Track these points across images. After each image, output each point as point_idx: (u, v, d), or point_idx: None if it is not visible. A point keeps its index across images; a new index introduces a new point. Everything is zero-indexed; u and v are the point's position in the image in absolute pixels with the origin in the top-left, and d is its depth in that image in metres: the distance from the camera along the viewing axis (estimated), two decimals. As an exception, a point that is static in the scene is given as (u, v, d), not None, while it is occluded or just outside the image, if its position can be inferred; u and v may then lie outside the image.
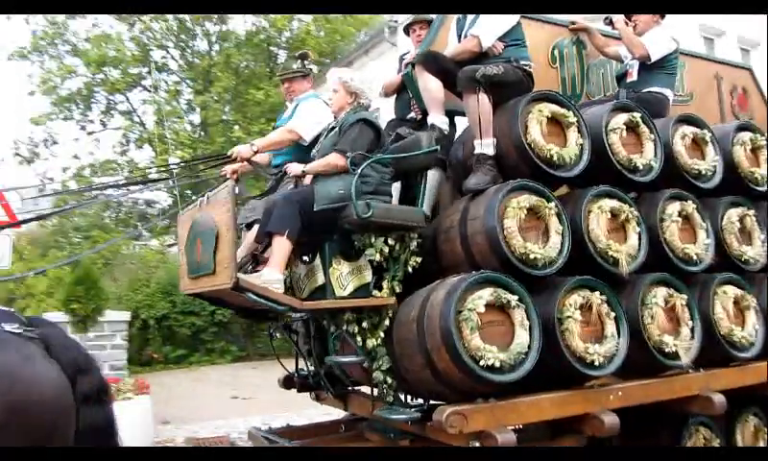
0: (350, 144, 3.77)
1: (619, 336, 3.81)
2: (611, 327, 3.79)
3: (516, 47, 4.14)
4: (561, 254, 3.75)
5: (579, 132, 4.04)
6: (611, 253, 3.90)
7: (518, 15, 4.20)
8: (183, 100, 22.07)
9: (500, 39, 4.12)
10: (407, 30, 4.97)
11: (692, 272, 4.27)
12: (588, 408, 3.68)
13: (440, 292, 3.48)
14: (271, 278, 3.57)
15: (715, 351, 4.25)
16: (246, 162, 4.16)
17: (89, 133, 21.96)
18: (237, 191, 4.09)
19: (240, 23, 21.86)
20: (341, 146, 3.81)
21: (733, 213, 4.58)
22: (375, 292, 3.75)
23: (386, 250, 3.72)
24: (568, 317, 3.63)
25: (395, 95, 4.88)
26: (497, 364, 3.32)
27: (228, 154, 4.21)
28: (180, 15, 21.34)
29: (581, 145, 4.02)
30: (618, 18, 4.87)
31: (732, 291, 4.36)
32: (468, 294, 3.42)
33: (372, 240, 3.70)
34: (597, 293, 3.77)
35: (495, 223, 3.58)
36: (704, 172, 4.53)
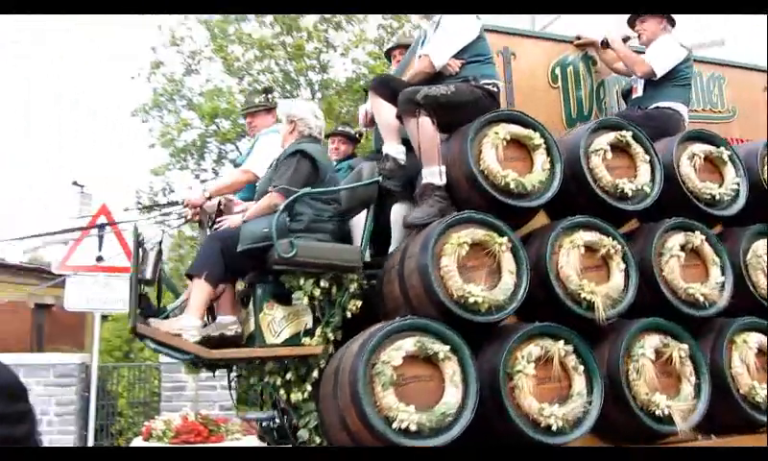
0: (285, 180, 3.48)
1: (591, 394, 3.20)
2: (579, 384, 3.19)
3: (477, 64, 3.69)
4: (514, 296, 3.21)
5: (548, 155, 3.51)
6: (584, 294, 3.31)
7: (479, 29, 3.76)
8: (289, 146, 22.77)
9: (458, 56, 3.69)
10: (388, 55, 4.64)
11: (700, 316, 3.55)
12: (546, 482, 3.10)
13: (357, 342, 3.07)
14: (187, 323, 3.32)
15: (733, 413, 3.50)
16: (198, 209, 3.96)
17: (202, 181, 23.18)
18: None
19: (341, 71, 22.32)
20: (275, 182, 3.53)
21: (760, 245, 3.81)
22: (306, 339, 3.39)
23: (317, 293, 3.36)
24: (519, 371, 3.09)
25: (374, 125, 4.54)
26: (413, 427, 2.85)
27: (180, 201, 4.06)
28: (285, 67, 22.07)
29: (549, 170, 3.49)
30: (615, 38, 4.29)
31: (754, 340, 3.59)
32: (388, 344, 2.98)
33: (301, 282, 3.36)
34: (561, 342, 3.20)
35: (429, 261, 3.12)
36: (719, 197, 3.81)
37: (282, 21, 17.06)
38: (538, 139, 3.49)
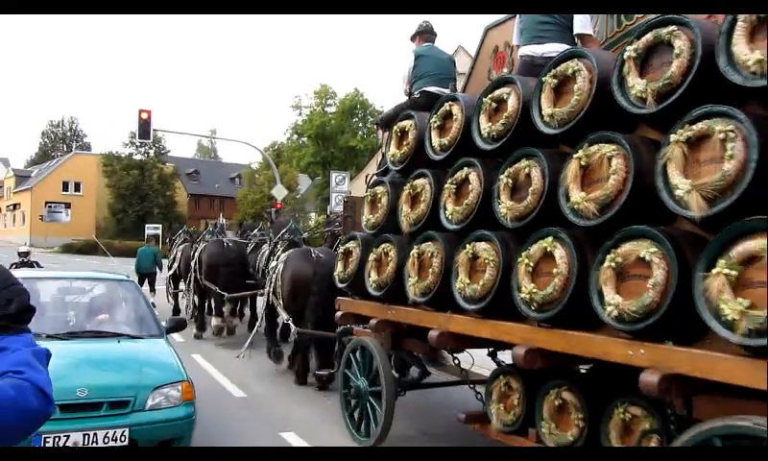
0: None
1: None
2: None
3: (414, 83, 6.09)
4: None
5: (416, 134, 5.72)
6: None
7: (413, 58, 6.09)
8: None
9: (410, 82, 6.20)
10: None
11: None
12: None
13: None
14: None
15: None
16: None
17: None
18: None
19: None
20: None
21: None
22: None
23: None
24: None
25: None
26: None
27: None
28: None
29: (407, 146, 5.75)
30: None
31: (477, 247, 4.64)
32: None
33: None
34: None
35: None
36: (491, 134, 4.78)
37: None
38: (407, 127, 5.78)
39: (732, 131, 3.05)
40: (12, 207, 63.94)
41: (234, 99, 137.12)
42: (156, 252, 17.94)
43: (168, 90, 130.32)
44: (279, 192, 27.36)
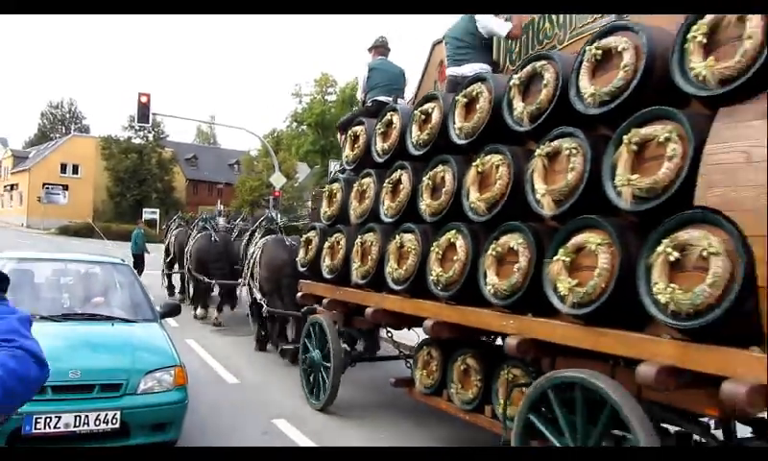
0: None
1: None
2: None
3: (369, 91, 6.92)
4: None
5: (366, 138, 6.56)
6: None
7: (367, 69, 6.90)
8: None
9: (364, 91, 7.03)
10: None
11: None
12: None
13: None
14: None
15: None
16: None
17: None
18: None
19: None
20: None
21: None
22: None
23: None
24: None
25: None
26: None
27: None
28: None
29: (358, 148, 6.59)
30: None
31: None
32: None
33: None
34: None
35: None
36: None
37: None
38: (359, 132, 6.62)
39: (575, 148, 3.91)
40: (9, 188, 64.49)
41: (234, 85, 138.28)
42: (138, 234, 18.80)
43: (168, 75, 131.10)
44: (278, 180, 27.56)
